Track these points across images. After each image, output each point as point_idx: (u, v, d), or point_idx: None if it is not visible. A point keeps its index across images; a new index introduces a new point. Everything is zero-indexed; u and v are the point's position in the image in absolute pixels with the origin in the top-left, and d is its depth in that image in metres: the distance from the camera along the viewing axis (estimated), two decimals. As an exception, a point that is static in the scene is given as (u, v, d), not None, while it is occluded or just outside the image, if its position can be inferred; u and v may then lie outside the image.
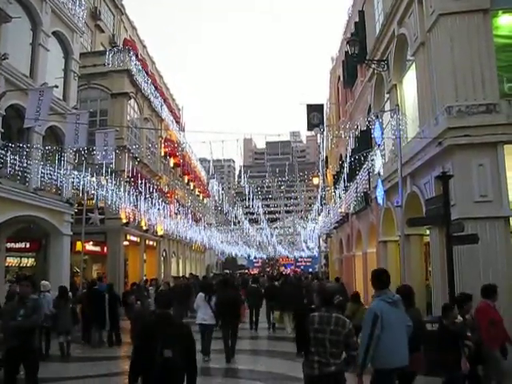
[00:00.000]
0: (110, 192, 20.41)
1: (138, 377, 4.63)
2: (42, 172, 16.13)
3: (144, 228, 27.14)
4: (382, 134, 13.75)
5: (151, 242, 30.29)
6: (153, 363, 4.53)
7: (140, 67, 27.31)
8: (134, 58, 26.31)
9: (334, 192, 24.85)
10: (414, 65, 12.71)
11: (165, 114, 32.33)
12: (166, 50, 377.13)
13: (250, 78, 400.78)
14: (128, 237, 25.81)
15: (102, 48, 29.38)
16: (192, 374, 4.85)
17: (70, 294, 14.13)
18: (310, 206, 62.22)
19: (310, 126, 27.10)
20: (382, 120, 14.27)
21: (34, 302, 7.43)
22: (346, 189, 20.76)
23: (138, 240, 27.63)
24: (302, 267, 69.94)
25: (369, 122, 15.45)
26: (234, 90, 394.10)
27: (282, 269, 68.00)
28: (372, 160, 15.39)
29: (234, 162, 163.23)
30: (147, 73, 29.21)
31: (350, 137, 19.36)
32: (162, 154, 32.14)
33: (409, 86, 13.58)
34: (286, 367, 10.25)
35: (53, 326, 11.77)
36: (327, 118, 30.59)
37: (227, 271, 50.65)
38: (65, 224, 19.04)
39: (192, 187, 41.20)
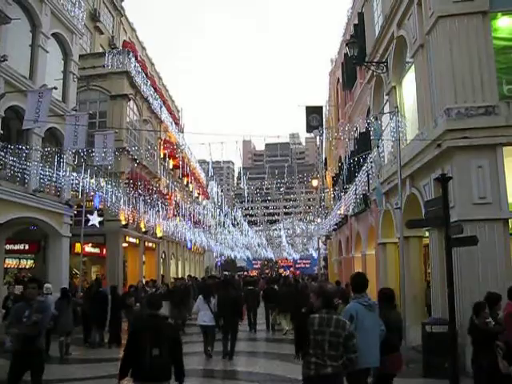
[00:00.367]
0: (110, 194, 20.39)
1: (128, 371, 5.19)
2: (41, 174, 16.11)
3: (143, 230, 27.13)
4: (381, 135, 13.76)
5: (150, 244, 30.26)
6: (143, 360, 5.04)
7: (139, 69, 27.32)
8: (133, 59, 26.31)
9: (333, 194, 24.86)
10: (413, 67, 12.72)
11: (164, 115, 32.33)
12: (166, 50, 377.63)
13: (249, 79, 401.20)
14: (127, 238, 25.79)
15: (101, 50, 29.38)
16: (179, 369, 5.35)
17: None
18: (309, 207, 62.26)
19: (309, 128, 27.04)
20: (381, 122, 14.28)
21: (41, 304, 7.39)
22: (345, 191, 20.76)
23: (137, 242, 27.60)
24: (301, 269, 69.92)
25: (368, 123, 15.46)
26: (233, 91, 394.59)
27: (282, 271, 67.93)
28: (371, 162, 15.40)
29: (233, 163, 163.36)
30: (146, 74, 29.21)
31: (349, 139, 19.38)
32: (162, 155, 32.12)
33: (408, 88, 13.59)
34: (284, 369, 10.22)
35: (54, 326, 11.76)
36: (326, 119, 30.60)
37: (226, 273, 50.66)
38: (64, 226, 19.01)
39: (191, 189, 41.19)
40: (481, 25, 10.20)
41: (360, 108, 20.20)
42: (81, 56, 21.97)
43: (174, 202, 33.28)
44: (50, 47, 18.15)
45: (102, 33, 30.63)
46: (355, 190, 18.20)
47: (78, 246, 20.35)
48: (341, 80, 24.95)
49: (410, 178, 12.49)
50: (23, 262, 20.70)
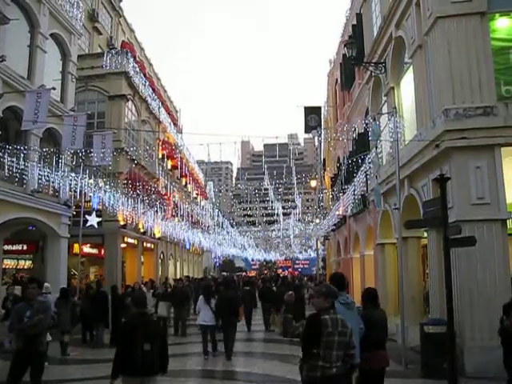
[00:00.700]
0: (108, 194, 20.37)
1: (121, 365, 5.55)
2: (39, 174, 16.10)
3: (141, 230, 27.09)
4: (379, 136, 13.77)
5: (149, 245, 30.23)
6: (135, 354, 5.46)
7: (138, 69, 27.29)
8: (131, 60, 26.28)
9: (332, 194, 24.87)
10: (411, 67, 12.74)
11: (162, 116, 32.30)
12: (165, 51, 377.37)
13: (247, 80, 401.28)
14: (125, 239, 25.75)
15: (99, 50, 29.35)
16: (164, 361, 5.92)
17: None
18: (308, 208, 62.24)
19: (308, 129, 27.05)
20: (379, 123, 14.29)
21: (42, 304, 7.38)
22: (343, 191, 20.77)
23: (136, 242, 27.57)
24: (299, 269, 69.97)
25: (366, 124, 15.47)
26: (232, 92, 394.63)
27: (280, 271, 67.95)
28: (369, 162, 15.41)
29: (231, 164, 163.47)
30: (145, 75, 29.18)
31: (347, 139, 19.39)
32: (160, 156, 32.10)
33: (406, 89, 13.61)
34: (283, 370, 10.22)
35: (53, 325, 11.78)
36: (325, 120, 30.63)
37: (224, 273, 50.63)
38: (62, 226, 18.99)
39: (190, 189, 41.17)
40: (479, 26, 10.22)
41: (358, 109, 20.22)
42: (79, 56, 21.93)
43: (172, 203, 33.26)
44: (48, 48, 18.13)
45: (100, 33, 30.61)
46: (354, 190, 18.21)
47: (76, 246, 20.32)
48: (339, 81, 24.96)
49: (409, 179, 12.50)
50: (21, 262, 20.66)
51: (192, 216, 38.46)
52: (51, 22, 18.37)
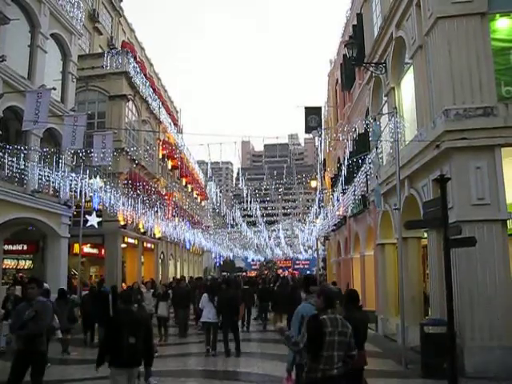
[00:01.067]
0: (108, 194, 20.38)
1: (105, 357, 6.01)
2: (39, 174, 16.11)
3: (142, 230, 27.10)
4: (380, 136, 13.76)
5: (149, 245, 30.25)
6: (120, 347, 5.81)
7: (138, 69, 27.32)
8: (132, 60, 26.31)
9: (332, 195, 24.83)
10: (411, 68, 12.73)
11: (163, 116, 32.32)
12: (165, 51, 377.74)
13: (248, 80, 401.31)
14: (126, 239, 25.76)
15: (100, 50, 29.39)
16: (149, 355, 6.34)
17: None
18: (308, 208, 62.21)
19: (308, 129, 27.03)
20: (379, 123, 14.28)
21: (42, 304, 7.37)
22: (343, 191, 20.75)
23: (136, 242, 27.59)
24: (299, 270, 69.91)
25: (367, 124, 15.46)
26: (232, 92, 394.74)
27: (280, 271, 67.89)
28: (370, 163, 15.40)
29: (231, 164, 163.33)
30: (145, 75, 29.21)
31: (347, 139, 19.36)
32: (160, 156, 32.12)
33: (407, 89, 13.60)
34: (283, 370, 10.16)
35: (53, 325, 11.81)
36: (325, 120, 30.58)
37: (225, 273, 50.60)
38: (62, 226, 19.01)
39: (190, 189, 41.18)
40: (479, 26, 10.22)
41: (359, 109, 20.21)
42: (79, 56, 21.96)
43: (172, 203, 33.27)
44: (48, 48, 18.16)
45: (100, 33, 30.64)
46: (354, 190, 18.20)
47: (76, 246, 20.34)
48: (340, 81, 24.93)
49: (409, 179, 12.50)
50: (21, 262, 20.69)
51: (192, 216, 38.47)
52: (52, 22, 18.40)
